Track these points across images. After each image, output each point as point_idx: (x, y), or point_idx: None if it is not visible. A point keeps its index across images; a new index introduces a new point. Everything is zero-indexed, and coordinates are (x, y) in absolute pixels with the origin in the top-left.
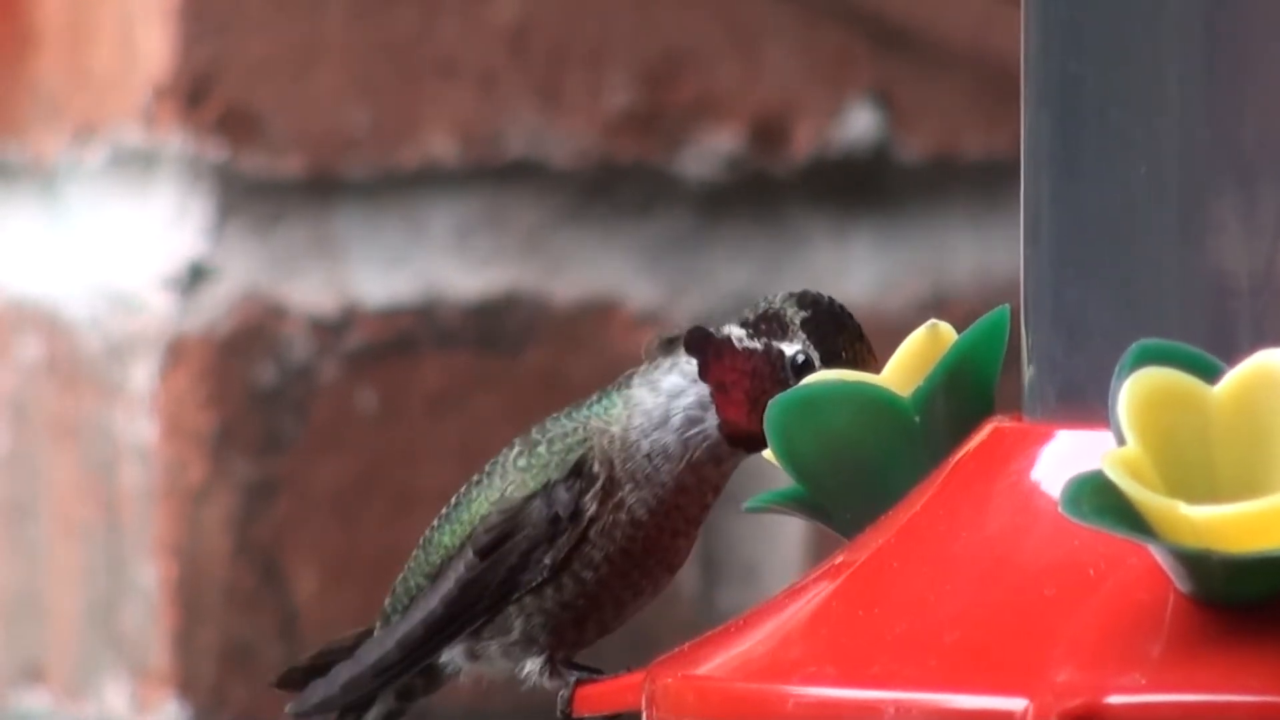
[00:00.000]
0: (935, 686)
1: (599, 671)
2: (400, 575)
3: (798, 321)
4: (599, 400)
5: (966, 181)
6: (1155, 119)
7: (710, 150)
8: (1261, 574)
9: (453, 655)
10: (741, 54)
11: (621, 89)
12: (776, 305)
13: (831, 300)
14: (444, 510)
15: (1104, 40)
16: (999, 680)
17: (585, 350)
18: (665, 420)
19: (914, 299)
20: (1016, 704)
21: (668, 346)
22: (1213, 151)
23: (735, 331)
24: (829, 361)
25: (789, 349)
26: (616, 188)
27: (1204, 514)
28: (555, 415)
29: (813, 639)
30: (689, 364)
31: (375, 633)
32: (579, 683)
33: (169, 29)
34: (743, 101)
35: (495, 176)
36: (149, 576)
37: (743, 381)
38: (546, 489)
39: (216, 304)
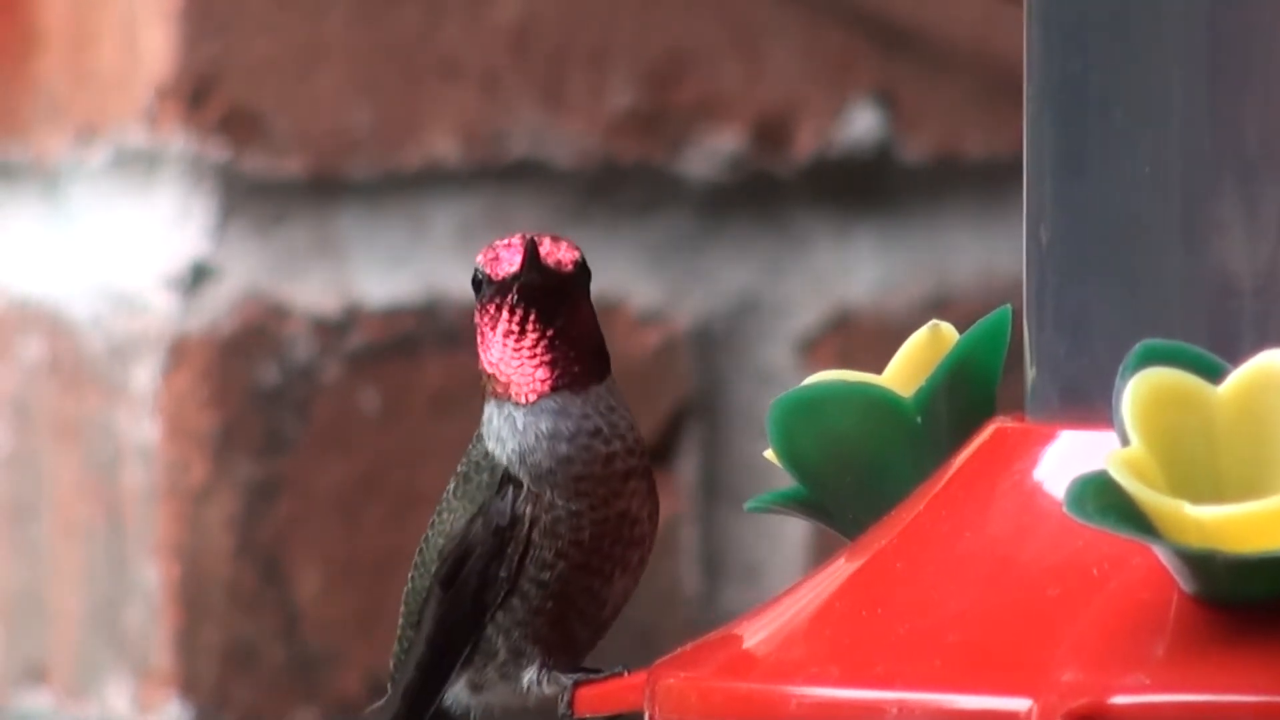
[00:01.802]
0: (939, 687)
1: (598, 672)
2: (396, 636)
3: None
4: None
5: (969, 182)
6: (1158, 119)
7: (712, 150)
8: (1266, 574)
9: (456, 694)
10: (744, 54)
11: (624, 89)
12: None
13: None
14: (413, 560)
15: (1107, 40)
16: (1003, 680)
17: None
18: (509, 433)
19: (917, 299)
20: (1021, 704)
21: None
22: (1216, 151)
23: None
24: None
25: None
26: (619, 188)
27: (1208, 514)
28: (470, 446)
29: (816, 639)
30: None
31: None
32: (578, 684)
33: (171, 29)
34: (745, 102)
35: (497, 177)
36: (151, 576)
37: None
38: (484, 508)
39: (218, 304)
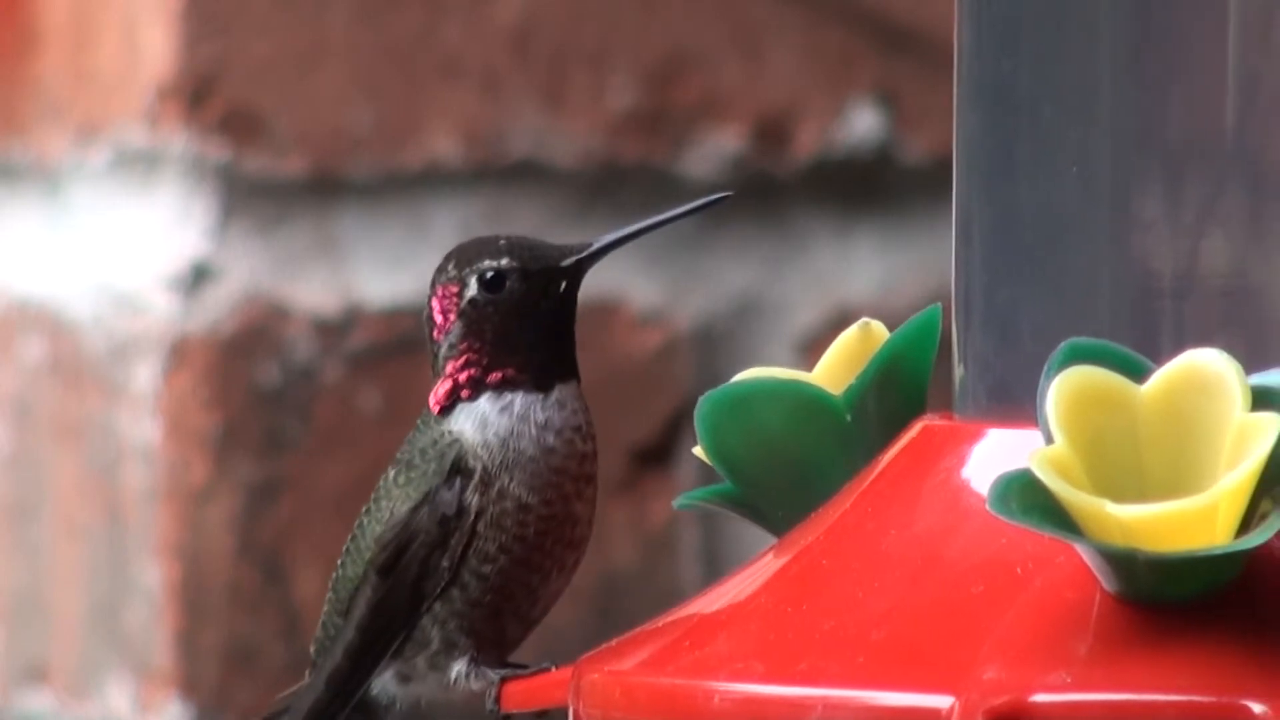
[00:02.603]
0: (862, 684)
1: (524, 667)
2: (319, 622)
3: (454, 271)
4: (428, 425)
5: None
6: (1086, 119)
7: (713, 151)
8: (1187, 574)
9: (384, 684)
10: (745, 54)
11: (625, 89)
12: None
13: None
14: (344, 548)
15: (1036, 39)
16: (926, 678)
17: (588, 350)
18: (497, 417)
19: (917, 299)
20: (943, 701)
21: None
22: (1142, 152)
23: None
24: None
25: (470, 292)
26: (620, 188)
27: (1130, 513)
28: (412, 434)
29: (740, 635)
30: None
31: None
32: (504, 680)
33: (172, 29)
34: (746, 102)
35: (498, 177)
36: (152, 577)
37: (476, 348)
38: (430, 496)
39: (219, 304)
